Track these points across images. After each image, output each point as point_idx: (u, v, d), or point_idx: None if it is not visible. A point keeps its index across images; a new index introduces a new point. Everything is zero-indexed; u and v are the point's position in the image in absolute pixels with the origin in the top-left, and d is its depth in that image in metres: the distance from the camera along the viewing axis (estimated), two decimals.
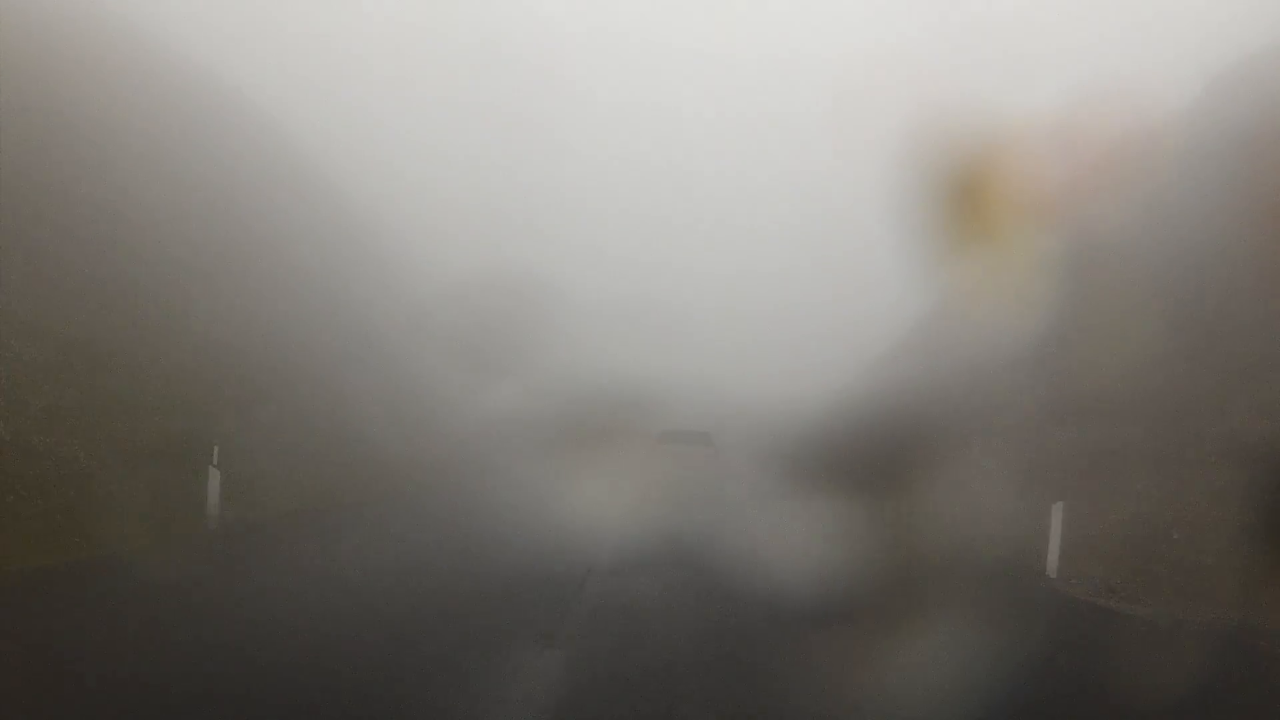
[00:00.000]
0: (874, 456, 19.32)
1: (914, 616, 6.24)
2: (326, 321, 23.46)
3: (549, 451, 20.16)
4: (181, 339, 15.85)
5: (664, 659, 5.65)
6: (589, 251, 47.18)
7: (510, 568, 9.16)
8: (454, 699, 4.82)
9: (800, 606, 6.96)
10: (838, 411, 26.33)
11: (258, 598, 7.52)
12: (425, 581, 8.38)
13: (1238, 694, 5.29)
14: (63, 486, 10.12)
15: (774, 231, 52.00)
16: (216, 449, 11.89)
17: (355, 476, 17.43)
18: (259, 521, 12.56)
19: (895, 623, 5.99)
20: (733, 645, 6.01)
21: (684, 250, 53.80)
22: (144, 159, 19.73)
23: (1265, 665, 5.59)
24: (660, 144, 58.92)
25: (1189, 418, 12.07)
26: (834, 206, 42.11)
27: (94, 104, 19.14)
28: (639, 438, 22.20)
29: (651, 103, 64.91)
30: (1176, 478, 10.20)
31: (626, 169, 55.18)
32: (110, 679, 4.99)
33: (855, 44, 47.28)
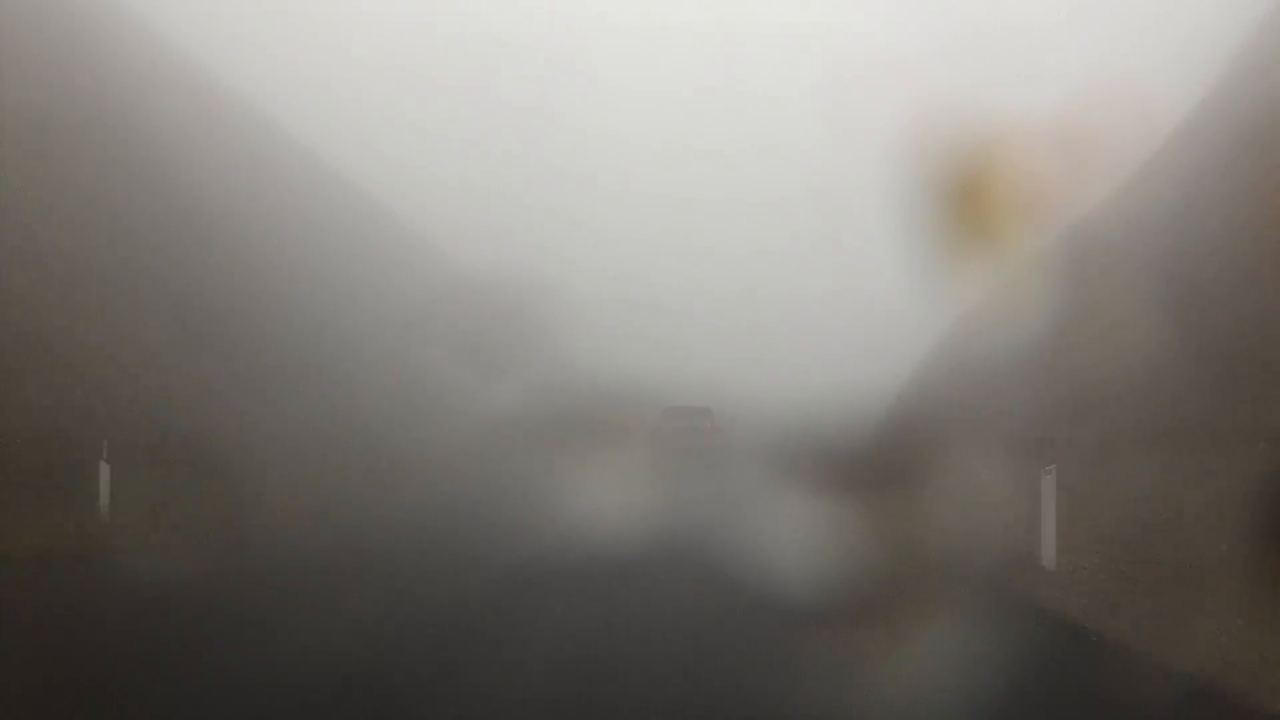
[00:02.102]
0: (876, 449, 19.37)
1: (886, 620, 6.18)
2: (330, 317, 23.52)
3: (550, 447, 20.15)
4: (181, 335, 15.90)
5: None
6: (591, 247, 47.18)
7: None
8: None
9: (784, 607, 6.98)
10: (840, 404, 26.31)
11: None
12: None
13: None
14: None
15: (778, 229, 51.98)
16: None
17: (356, 477, 17.45)
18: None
19: (869, 627, 5.93)
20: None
21: (687, 246, 53.79)
22: (145, 153, 19.76)
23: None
24: (660, 141, 58.87)
25: (1189, 416, 12.09)
26: (839, 202, 42.10)
27: (96, 100, 19.17)
28: (639, 431, 22.23)
29: (653, 96, 64.79)
30: (1176, 477, 10.23)
31: (627, 164, 55.12)
32: None
33: (858, 36, 47.21)
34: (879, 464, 16.06)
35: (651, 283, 48.17)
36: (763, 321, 49.11)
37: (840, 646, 5.61)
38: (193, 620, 6.95)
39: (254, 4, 35.53)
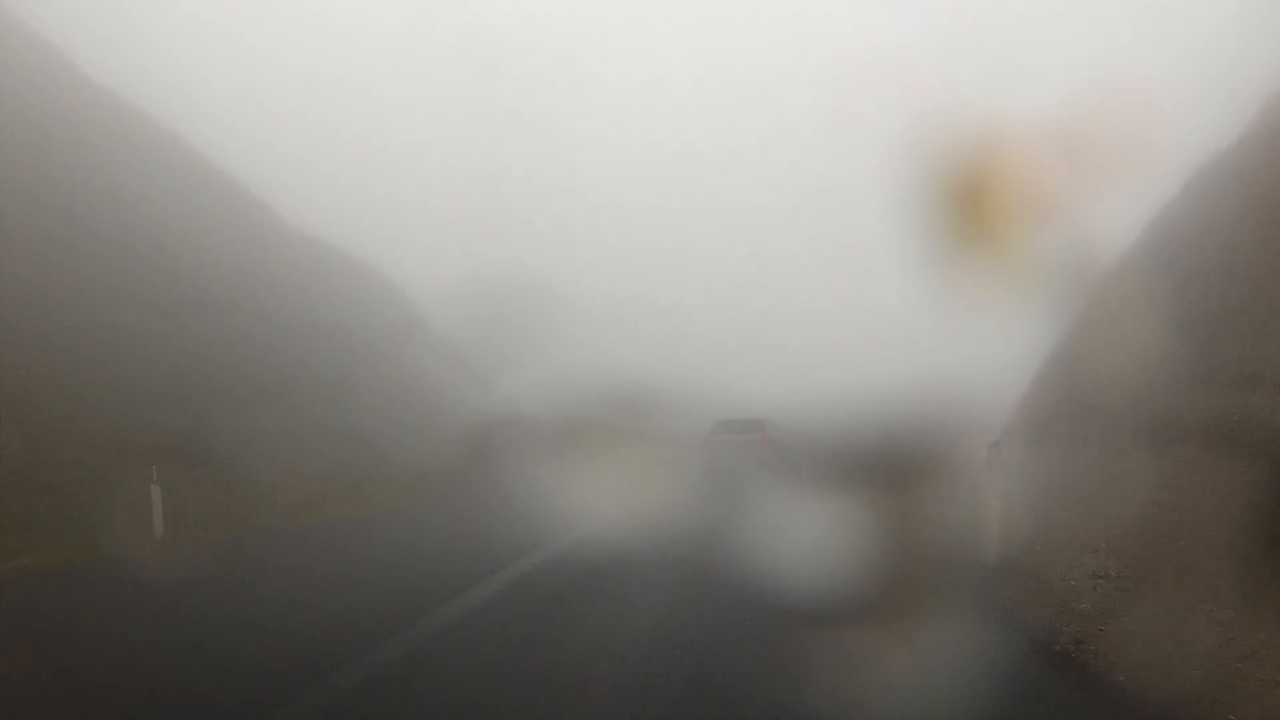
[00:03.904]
0: (875, 456, 19.34)
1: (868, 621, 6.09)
2: (329, 323, 23.51)
3: (552, 455, 20.00)
4: (183, 343, 15.89)
5: None
6: (591, 251, 47.24)
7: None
8: None
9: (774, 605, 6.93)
10: (842, 410, 26.28)
11: None
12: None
13: None
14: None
15: (776, 230, 52.02)
16: None
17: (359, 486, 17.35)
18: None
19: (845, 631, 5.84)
20: None
21: (685, 249, 53.85)
22: (142, 156, 19.81)
23: None
24: (660, 143, 58.96)
25: (1190, 419, 12.09)
26: (837, 204, 42.15)
27: (110, 106, 19.21)
28: (647, 440, 22.00)
29: (652, 101, 64.84)
30: (1178, 480, 10.23)
31: (627, 168, 55.21)
32: None
33: (857, 41, 47.22)
34: (878, 470, 16.00)
35: (649, 286, 48.20)
36: (763, 323, 49.12)
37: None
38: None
39: (251, 9, 35.66)
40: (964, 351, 21.12)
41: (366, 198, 36.63)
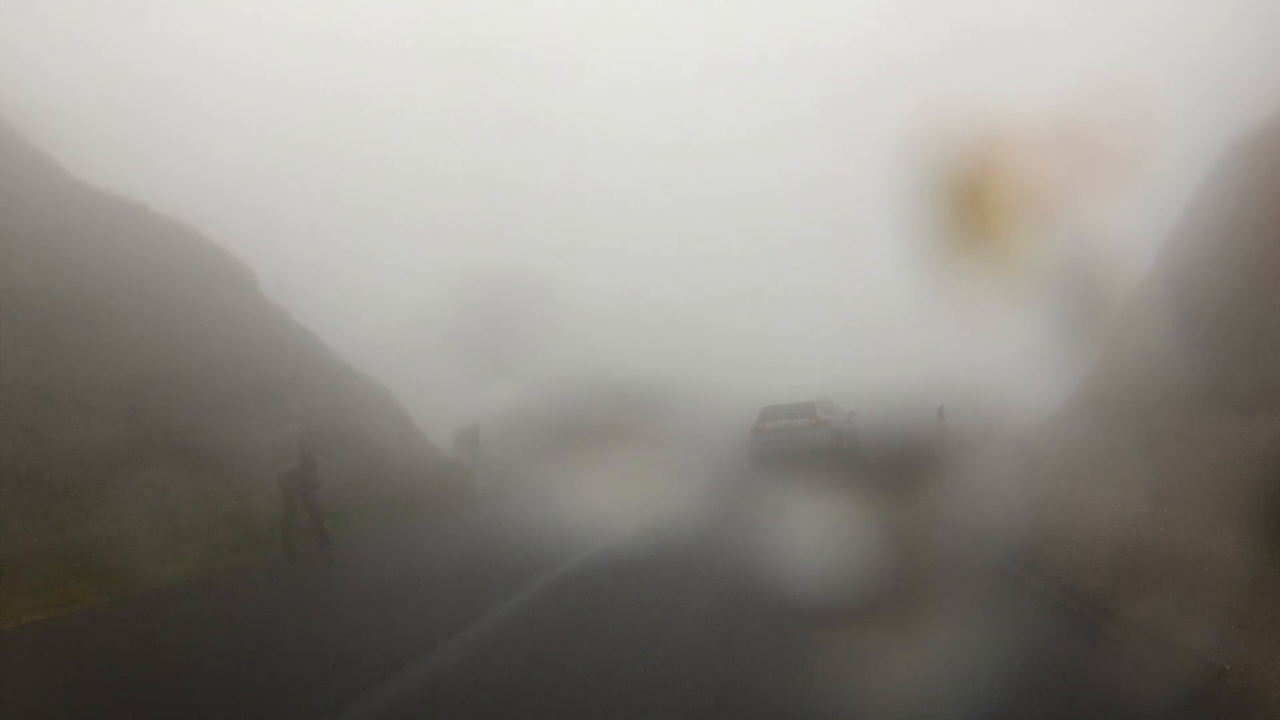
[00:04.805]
0: (880, 454, 19.35)
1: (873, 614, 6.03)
2: (329, 320, 23.52)
3: (553, 453, 19.88)
4: (180, 343, 15.89)
5: None
6: (591, 251, 47.27)
7: None
8: None
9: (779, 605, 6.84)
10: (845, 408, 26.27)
11: None
12: None
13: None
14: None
15: (776, 229, 52.04)
16: None
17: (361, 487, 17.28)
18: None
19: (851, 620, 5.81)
20: None
21: (685, 249, 53.87)
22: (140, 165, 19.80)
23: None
24: (660, 143, 58.99)
25: (1191, 417, 12.11)
26: (836, 202, 42.15)
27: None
28: (647, 438, 21.72)
29: (651, 100, 64.86)
30: (1178, 477, 10.26)
31: (627, 168, 55.26)
32: None
33: (856, 39, 47.26)
34: (883, 468, 15.96)
35: (648, 285, 48.19)
36: (762, 323, 49.10)
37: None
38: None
39: (252, 7, 35.72)
40: (965, 344, 21.07)
41: (363, 195, 36.61)
